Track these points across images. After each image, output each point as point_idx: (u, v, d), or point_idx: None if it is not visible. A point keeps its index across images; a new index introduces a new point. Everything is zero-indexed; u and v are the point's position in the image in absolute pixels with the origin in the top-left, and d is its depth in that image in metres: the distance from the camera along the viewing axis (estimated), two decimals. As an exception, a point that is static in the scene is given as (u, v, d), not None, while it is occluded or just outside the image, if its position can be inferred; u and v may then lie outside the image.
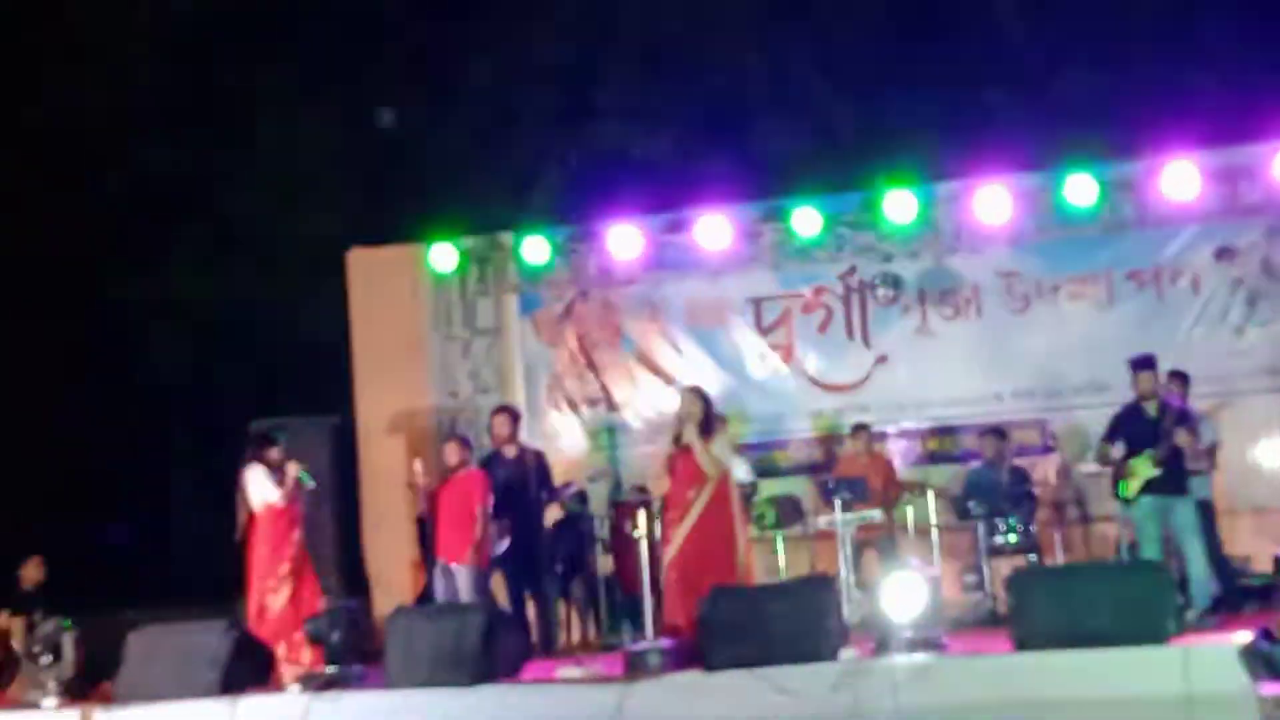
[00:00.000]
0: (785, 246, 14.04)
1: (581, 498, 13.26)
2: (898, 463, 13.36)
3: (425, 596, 12.21)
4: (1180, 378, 11.72)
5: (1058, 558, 12.34)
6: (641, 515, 11.35)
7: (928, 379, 13.75)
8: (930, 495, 12.68)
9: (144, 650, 10.12)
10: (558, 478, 12.70)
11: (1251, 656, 7.68)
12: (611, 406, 14.53)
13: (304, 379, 16.71)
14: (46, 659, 10.41)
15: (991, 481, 12.61)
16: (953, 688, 8.18)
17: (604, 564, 12.94)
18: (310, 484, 11.52)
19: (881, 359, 13.92)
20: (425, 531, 12.21)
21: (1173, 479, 10.74)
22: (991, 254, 13.64)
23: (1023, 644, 8.49)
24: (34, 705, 10.26)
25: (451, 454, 11.96)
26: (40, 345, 18.14)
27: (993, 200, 13.29)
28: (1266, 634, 8.17)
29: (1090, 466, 12.17)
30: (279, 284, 18.19)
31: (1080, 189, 13.04)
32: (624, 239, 14.19)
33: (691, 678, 8.87)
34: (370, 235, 15.25)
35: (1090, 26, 17.30)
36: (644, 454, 13.96)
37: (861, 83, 17.74)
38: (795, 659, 8.54)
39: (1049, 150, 13.84)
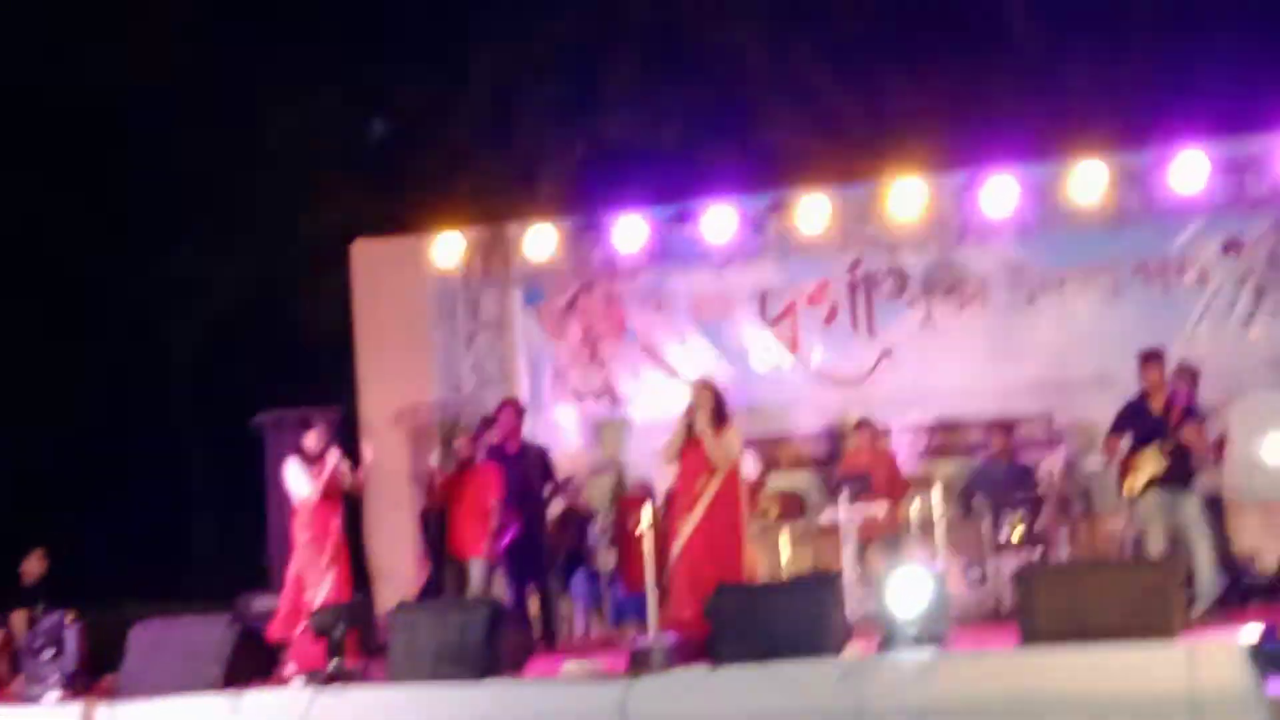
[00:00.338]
0: (791, 238, 13.98)
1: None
2: (903, 457, 13.30)
3: (428, 590, 12.19)
4: (1189, 372, 11.66)
5: (1063, 553, 12.29)
6: (646, 510, 11.32)
7: (933, 372, 13.68)
8: (935, 490, 12.63)
9: (147, 644, 10.11)
10: (561, 472, 12.68)
11: (1258, 654, 7.64)
12: (616, 400, 14.49)
13: (307, 370, 16.69)
14: (48, 653, 10.39)
15: (997, 476, 12.56)
16: (958, 684, 8.13)
17: (607, 559, 12.92)
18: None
19: (887, 352, 13.86)
20: (429, 525, 12.19)
21: (1179, 473, 10.70)
22: (998, 246, 13.58)
23: (1028, 640, 8.46)
24: (36, 699, 10.26)
25: (464, 447, 11.94)
26: (43, 335, 18.14)
27: (999, 192, 13.23)
28: (1272, 631, 8.14)
29: (1096, 460, 12.11)
30: (283, 275, 18.18)
31: (1087, 181, 12.98)
32: (629, 230, 14.14)
33: (696, 673, 8.83)
34: (374, 226, 15.22)
35: (1097, 16, 17.23)
36: (648, 448, 13.93)
37: (868, 73, 17.70)
38: (800, 654, 8.50)
39: (1056, 141, 13.78)
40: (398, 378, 14.57)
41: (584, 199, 15.09)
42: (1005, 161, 13.40)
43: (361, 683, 9.58)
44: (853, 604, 10.45)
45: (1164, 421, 10.72)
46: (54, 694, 10.23)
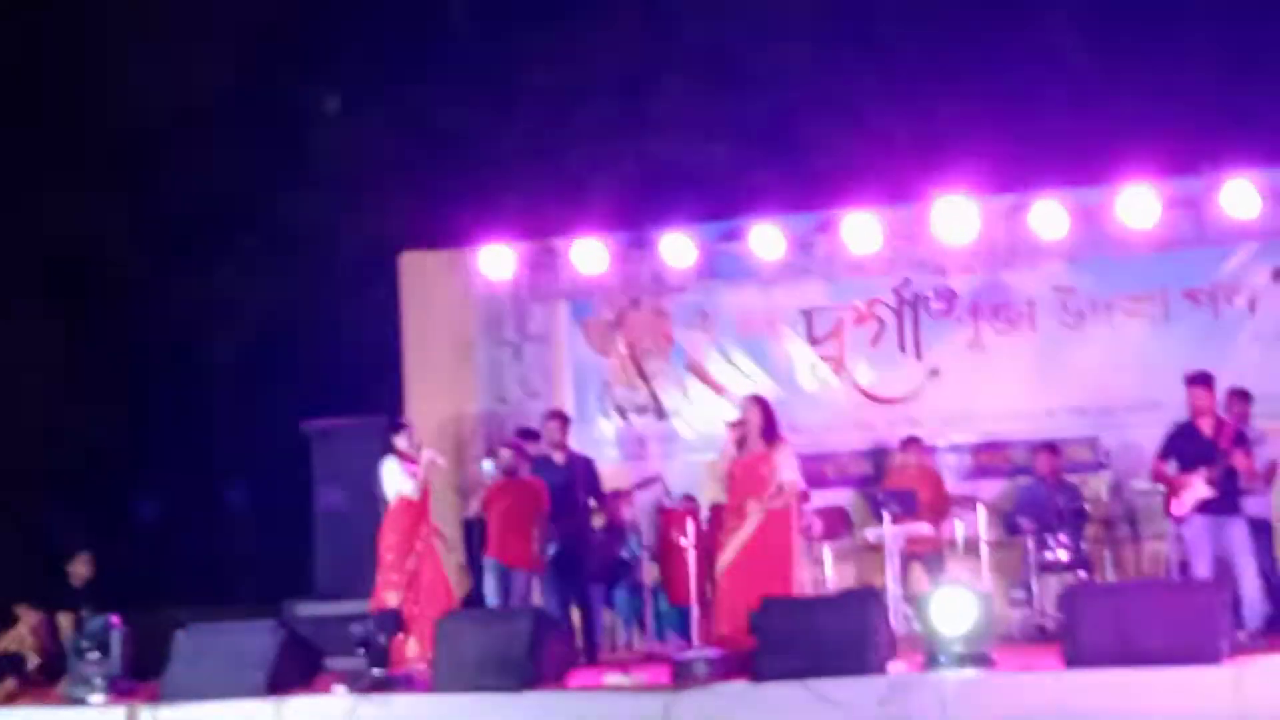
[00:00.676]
0: (838, 258, 13.97)
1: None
2: (947, 476, 13.28)
3: (471, 600, 12.22)
4: (1242, 396, 11.59)
5: (1108, 575, 12.25)
6: (689, 524, 11.33)
7: (980, 393, 13.67)
8: (980, 510, 12.62)
9: (192, 649, 10.19)
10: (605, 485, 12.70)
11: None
12: (661, 415, 14.51)
13: (355, 381, 16.76)
14: (94, 655, 10.47)
15: (1042, 497, 12.53)
16: (1001, 704, 8.13)
17: (650, 572, 12.93)
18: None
19: (934, 372, 13.85)
20: (473, 534, 12.22)
21: (1226, 498, 10.65)
22: (1047, 269, 13.55)
23: (1073, 661, 8.44)
24: (81, 701, 10.34)
25: (510, 458, 11.98)
26: (93, 349, 18.27)
27: (1049, 214, 13.18)
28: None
29: (1143, 484, 12.05)
30: (332, 287, 18.26)
31: (1137, 205, 12.94)
32: (677, 247, 14.13)
33: (739, 688, 8.85)
34: (423, 239, 15.28)
35: (1146, 40, 17.16)
36: (692, 463, 13.95)
37: (917, 94, 17.66)
38: (844, 671, 8.50)
39: (1106, 165, 13.73)
40: (444, 389, 14.60)
41: (633, 215, 15.07)
42: (1055, 184, 13.38)
43: (405, 690, 9.61)
44: (897, 622, 10.44)
45: (1213, 444, 10.67)
46: (99, 696, 10.32)
